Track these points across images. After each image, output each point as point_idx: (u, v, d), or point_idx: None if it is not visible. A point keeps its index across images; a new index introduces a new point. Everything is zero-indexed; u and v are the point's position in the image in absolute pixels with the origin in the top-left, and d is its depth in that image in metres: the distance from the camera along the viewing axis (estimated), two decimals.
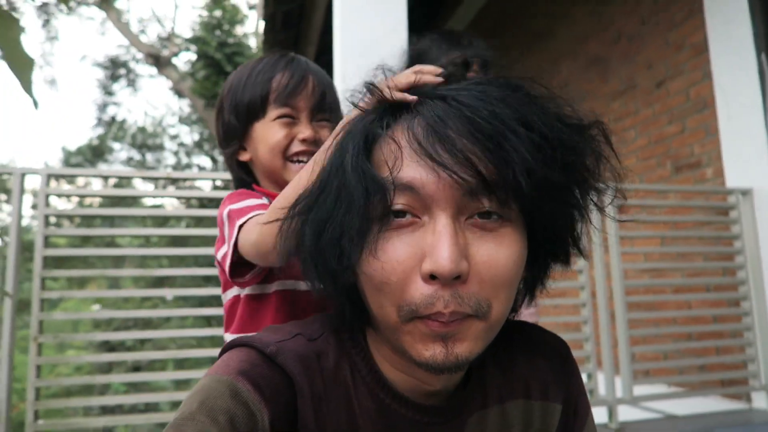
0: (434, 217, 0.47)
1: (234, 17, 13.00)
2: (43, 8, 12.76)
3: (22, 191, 1.72)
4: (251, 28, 14.26)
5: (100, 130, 15.33)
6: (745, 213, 2.34)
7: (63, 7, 13.06)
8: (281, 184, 0.91)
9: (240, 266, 0.78)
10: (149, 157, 15.39)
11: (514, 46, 4.35)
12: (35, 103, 1.13)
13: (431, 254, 0.45)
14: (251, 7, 14.37)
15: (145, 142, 15.77)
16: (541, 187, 0.47)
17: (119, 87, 15.13)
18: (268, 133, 0.89)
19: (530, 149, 0.46)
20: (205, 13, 13.42)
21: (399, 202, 0.47)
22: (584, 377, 2.10)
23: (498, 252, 0.47)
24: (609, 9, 3.26)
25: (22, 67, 1.09)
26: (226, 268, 0.78)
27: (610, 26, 3.26)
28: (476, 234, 0.48)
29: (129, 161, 15.19)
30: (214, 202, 2.15)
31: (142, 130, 15.75)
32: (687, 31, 2.72)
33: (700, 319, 2.55)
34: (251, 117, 0.90)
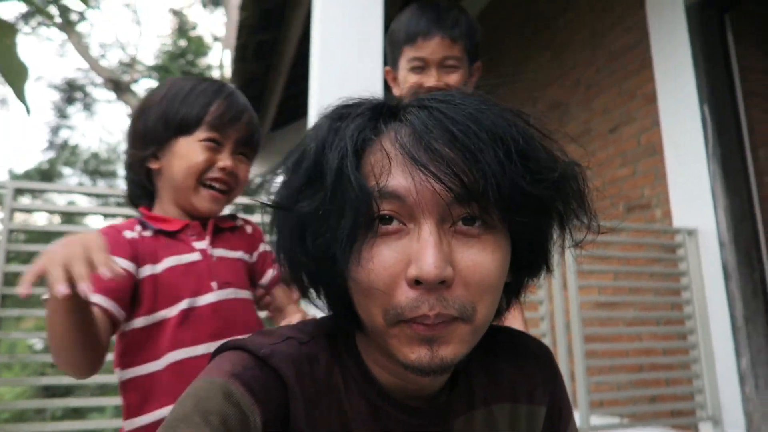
0: (419, 224, 0.49)
1: (199, 48, 13.02)
2: None
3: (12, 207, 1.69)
4: (215, 59, 14.25)
5: (51, 154, 14.83)
6: (691, 251, 2.49)
7: (22, 25, 12.76)
8: (183, 205, 0.92)
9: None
10: (101, 183, 14.95)
11: (481, 88, 4.53)
12: (27, 110, 1.13)
13: (416, 260, 0.47)
14: (216, 39, 14.42)
15: (98, 168, 15.33)
16: (515, 198, 0.49)
17: (74, 110, 14.76)
18: (191, 152, 0.90)
19: (504, 162, 0.48)
20: (169, 42, 13.39)
21: (386, 210, 0.49)
22: None
23: (482, 257, 0.49)
24: (570, 57, 3.47)
25: (16, 74, 1.10)
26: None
27: (571, 72, 3.46)
28: (460, 240, 0.50)
29: (80, 187, 14.70)
30: None
31: (95, 155, 15.33)
32: (639, 82, 2.93)
33: (651, 351, 2.66)
34: (179, 131, 0.91)
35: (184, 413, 0.46)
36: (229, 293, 0.91)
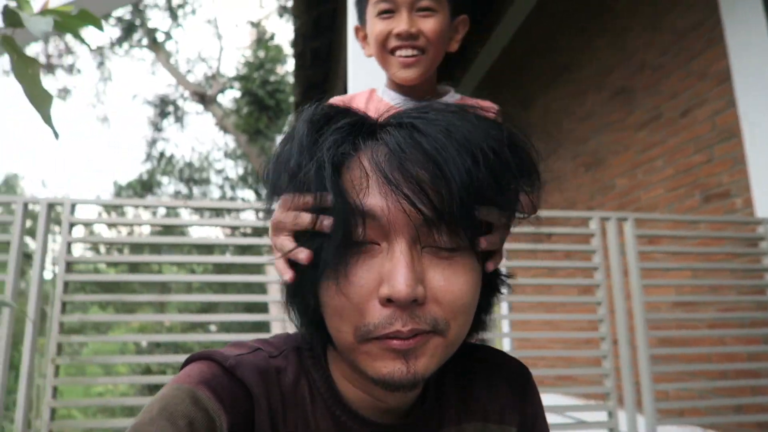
0: (392, 244, 0.49)
1: (276, 57, 13.50)
2: (98, 50, 13.56)
3: (48, 223, 1.82)
4: (291, 67, 14.73)
5: (150, 165, 15.99)
6: None
7: (117, 49, 13.85)
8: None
9: None
10: (196, 190, 15.92)
11: (540, 80, 4.35)
12: (56, 134, 1.21)
13: (388, 280, 0.47)
14: (292, 46, 14.89)
15: (192, 176, 16.34)
16: (482, 221, 0.50)
17: (168, 124, 15.81)
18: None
19: (473, 176, 0.47)
20: (249, 54, 13.99)
21: (360, 229, 0.49)
22: (605, 415, 2.02)
23: (453, 279, 0.49)
24: (631, 39, 3.24)
25: (42, 101, 1.17)
26: None
27: (633, 57, 3.23)
28: (432, 261, 0.49)
29: (176, 194, 15.74)
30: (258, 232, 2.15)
31: (189, 164, 16.35)
32: (709, 60, 2.67)
33: (735, 356, 2.42)
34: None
35: (150, 417, 0.46)
36: None
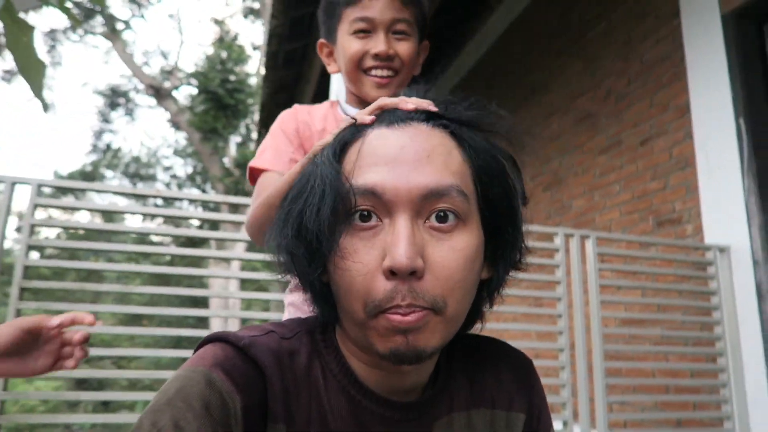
0: (394, 219, 0.51)
1: (239, 57, 13.32)
2: (50, 34, 12.99)
3: (10, 201, 1.71)
4: (253, 67, 14.54)
5: (95, 157, 15.37)
6: (723, 269, 2.39)
7: (70, 33, 13.30)
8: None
9: None
10: (140, 186, 15.38)
11: (510, 98, 4.49)
12: (45, 106, 1.16)
13: (390, 252, 0.49)
14: (255, 48, 14.74)
15: (138, 171, 15.82)
16: (489, 185, 0.56)
17: (117, 116, 15.27)
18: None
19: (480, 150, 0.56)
20: (210, 51, 13.73)
21: (364, 205, 0.52)
22: (559, 424, 2.09)
23: (452, 253, 0.51)
24: (602, 67, 3.40)
25: (34, 70, 1.13)
26: None
27: (601, 84, 3.39)
28: (433, 236, 0.52)
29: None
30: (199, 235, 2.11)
31: (136, 159, 15.83)
32: (672, 93, 2.84)
33: (678, 373, 2.55)
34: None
35: (167, 398, 0.47)
36: None
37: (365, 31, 0.97)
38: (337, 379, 0.57)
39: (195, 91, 13.16)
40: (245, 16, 15.11)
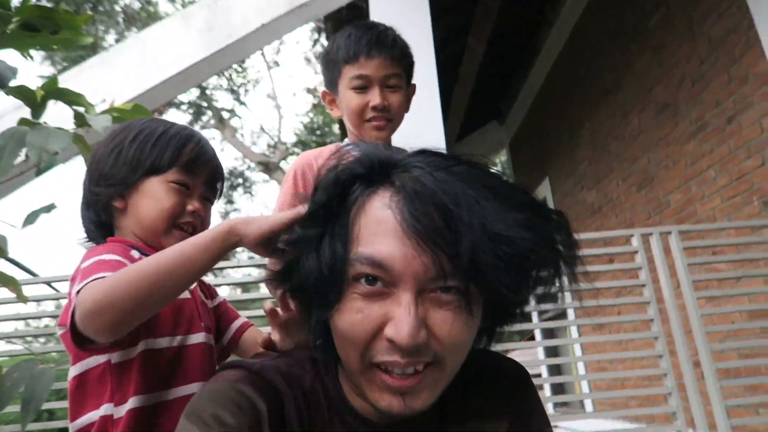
0: (400, 290, 0.52)
1: (333, 118, 14.11)
2: None
3: None
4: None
5: None
6: None
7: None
8: (152, 245, 0.89)
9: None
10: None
11: (584, 105, 4.37)
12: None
13: (395, 324, 0.51)
14: None
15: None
16: (494, 270, 0.50)
17: (238, 195, 16.61)
18: (161, 193, 0.88)
19: (483, 240, 0.49)
20: (306, 119, 14.70)
21: (372, 273, 0.52)
22: None
23: (455, 324, 0.53)
24: (668, 54, 3.24)
25: None
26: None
27: (672, 71, 3.22)
28: (435, 304, 0.53)
29: (250, 258, 16.31)
30: None
31: None
32: (749, 63, 2.64)
33: None
34: (150, 171, 0.89)
35: (203, 402, 0.54)
36: (210, 339, 0.91)
37: (363, 87, 1.12)
38: (337, 408, 0.61)
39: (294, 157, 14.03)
40: None
